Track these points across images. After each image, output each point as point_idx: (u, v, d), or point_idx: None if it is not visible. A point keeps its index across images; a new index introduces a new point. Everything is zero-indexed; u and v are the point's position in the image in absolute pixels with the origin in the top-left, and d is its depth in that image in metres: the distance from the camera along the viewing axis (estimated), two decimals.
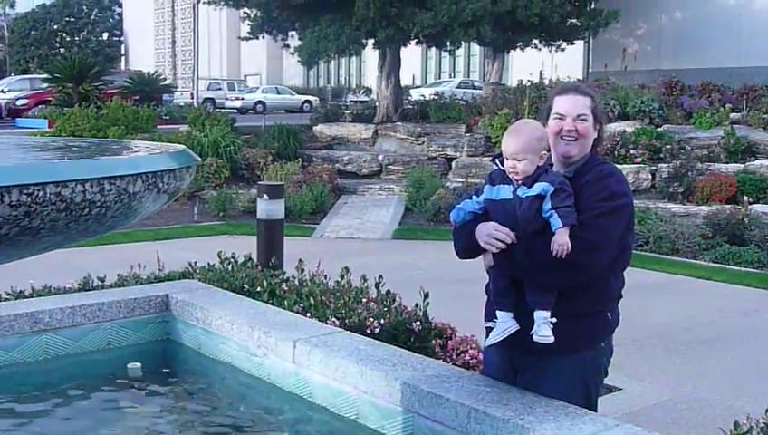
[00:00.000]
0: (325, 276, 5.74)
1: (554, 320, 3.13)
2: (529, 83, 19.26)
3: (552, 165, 3.20)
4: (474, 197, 3.30)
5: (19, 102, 30.70)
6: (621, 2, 25.00)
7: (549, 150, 3.19)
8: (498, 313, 3.24)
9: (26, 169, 2.04)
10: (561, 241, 3.03)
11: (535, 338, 3.14)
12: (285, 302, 5.16)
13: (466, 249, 3.31)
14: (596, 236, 3.09)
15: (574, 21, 22.76)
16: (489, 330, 3.30)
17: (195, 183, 15.32)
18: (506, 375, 3.43)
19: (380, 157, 18.99)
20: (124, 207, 2.22)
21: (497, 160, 3.25)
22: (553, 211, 3.05)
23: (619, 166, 14.82)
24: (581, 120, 3.23)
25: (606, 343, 3.33)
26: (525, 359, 3.30)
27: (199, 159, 2.81)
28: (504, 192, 3.18)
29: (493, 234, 3.12)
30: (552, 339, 3.12)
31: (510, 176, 3.17)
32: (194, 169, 2.69)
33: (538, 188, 3.09)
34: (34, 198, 1.97)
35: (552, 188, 3.07)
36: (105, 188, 2.13)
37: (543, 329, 3.12)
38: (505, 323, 3.20)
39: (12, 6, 68.56)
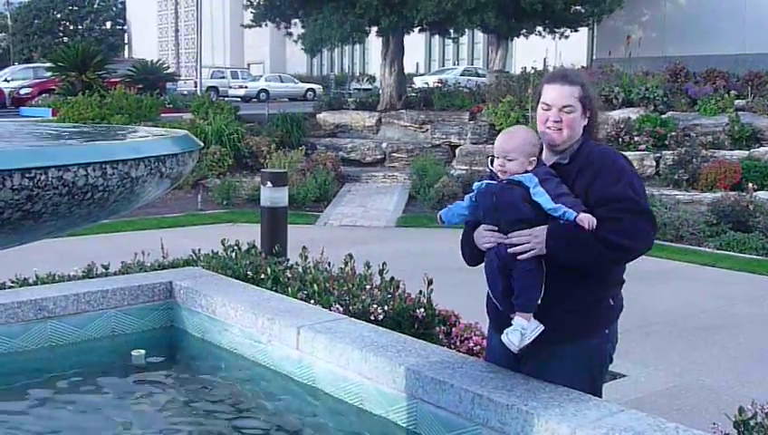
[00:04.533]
0: (329, 263, 5.74)
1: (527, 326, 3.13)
2: (533, 71, 19.20)
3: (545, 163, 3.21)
4: (465, 198, 3.33)
5: (23, 91, 30.57)
6: None
7: (539, 157, 3.19)
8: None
9: (28, 153, 2.02)
10: (587, 218, 3.02)
11: (503, 338, 3.17)
12: (289, 289, 5.16)
13: (472, 256, 3.36)
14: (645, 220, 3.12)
15: (578, 8, 22.68)
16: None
17: (198, 171, 15.33)
18: (510, 362, 3.42)
19: (384, 144, 18.96)
20: (127, 192, 2.20)
21: (489, 162, 3.29)
22: (560, 205, 3.03)
23: (623, 153, 14.85)
24: (566, 111, 3.19)
25: (610, 329, 3.31)
26: (529, 346, 3.28)
27: (201, 143, 2.80)
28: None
29: (489, 239, 3.18)
30: (516, 349, 3.15)
31: (498, 174, 3.20)
32: (196, 154, 2.68)
33: (519, 176, 3.12)
34: (36, 182, 1.96)
35: (536, 179, 3.07)
36: (107, 173, 2.12)
37: (513, 335, 3.14)
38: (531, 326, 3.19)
39: None
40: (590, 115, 3.28)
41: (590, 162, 3.17)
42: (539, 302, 3.15)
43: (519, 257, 3.12)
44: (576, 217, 3.02)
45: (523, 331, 3.13)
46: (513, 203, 3.11)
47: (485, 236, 3.20)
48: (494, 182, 3.20)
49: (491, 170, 3.26)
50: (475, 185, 3.30)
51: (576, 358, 3.26)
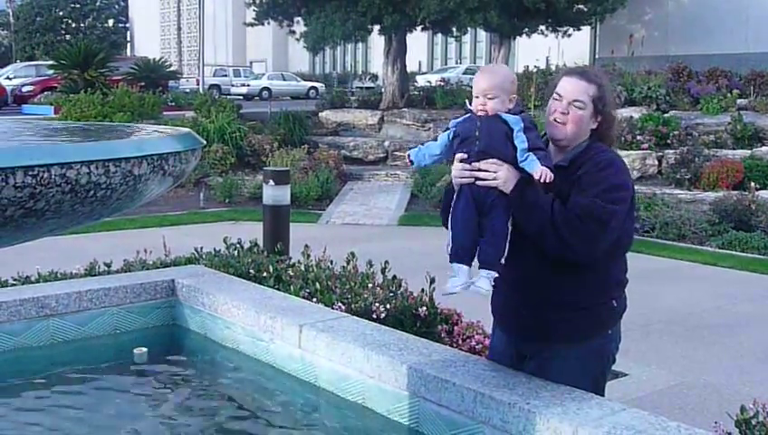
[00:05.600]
0: (331, 262, 5.74)
1: (496, 276, 3.04)
2: (535, 69, 19.17)
3: (522, 111, 3.12)
4: (439, 137, 3.24)
5: (25, 89, 30.58)
6: None
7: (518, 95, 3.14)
8: (456, 265, 3.13)
9: (31, 151, 2.03)
10: (545, 172, 2.94)
11: (471, 288, 3.05)
12: (291, 287, 5.16)
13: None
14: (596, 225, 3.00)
15: (581, 6, 22.63)
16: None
17: (201, 169, 15.33)
18: (512, 361, 3.41)
19: (386, 143, 18.97)
20: (129, 190, 2.20)
21: (468, 103, 3.21)
22: (530, 153, 2.96)
23: (625, 152, 14.59)
24: (576, 106, 3.12)
25: (613, 329, 3.29)
26: (532, 346, 3.28)
27: (204, 141, 2.80)
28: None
29: (462, 173, 3.09)
30: (488, 292, 3.04)
31: (478, 114, 3.10)
32: (199, 152, 2.68)
33: (507, 116, 3.03)
34: (39, 180, 1.96)
35: (522, 124, 3.00)
36: (110, 170, 2.11)
37: (483, 281, 3.03)
38: (462, 278, 3.11)
39: None
40: (602, 120, 3.18)
41: (587, 168, 3.07)
42: (502, 262, 3.06)
43: (480, 184, 3.03)
44: (537, 168, 2.95)
45: (489, 276, 3.03)
46: (495, 135, 3.02)
47: (457, 169, 3.11)
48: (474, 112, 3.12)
49: (470, 110, 3.15)
50: (452, 122, 3.21)
51: (579, 358, 3.25)
